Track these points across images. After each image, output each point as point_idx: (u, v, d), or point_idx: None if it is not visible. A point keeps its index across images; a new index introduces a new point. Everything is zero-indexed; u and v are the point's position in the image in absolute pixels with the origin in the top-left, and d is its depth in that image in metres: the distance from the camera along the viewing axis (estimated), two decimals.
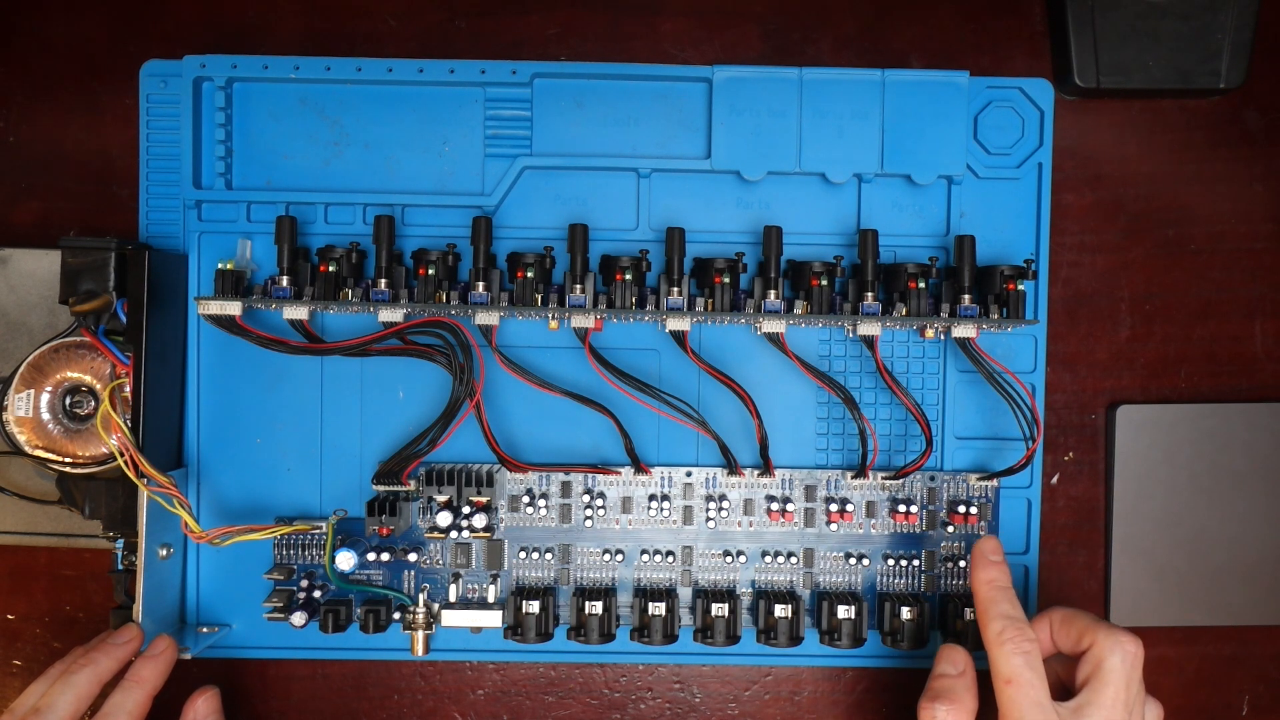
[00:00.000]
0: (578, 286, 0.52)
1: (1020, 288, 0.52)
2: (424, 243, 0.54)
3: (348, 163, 0.55)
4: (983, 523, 0.55)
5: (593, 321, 0.52)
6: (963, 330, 0.52)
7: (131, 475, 0.49)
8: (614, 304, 0.52)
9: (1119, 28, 0.55)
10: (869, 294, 0.52)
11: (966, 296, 0.52)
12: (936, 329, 0.53)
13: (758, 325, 0.52)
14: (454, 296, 0.52)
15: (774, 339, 0.53)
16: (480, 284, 0.52)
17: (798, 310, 0.52)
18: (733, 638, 0.53)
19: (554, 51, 0.57)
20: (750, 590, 0.55)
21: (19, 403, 0.51)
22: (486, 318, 0.52)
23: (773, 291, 0.52)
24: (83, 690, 0.47)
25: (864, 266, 0.52)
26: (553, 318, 0.53)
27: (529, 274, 0.52)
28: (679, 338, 0.53)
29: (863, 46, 0.58)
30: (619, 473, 0.54)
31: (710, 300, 0.52)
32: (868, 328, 0.52)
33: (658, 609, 0.52)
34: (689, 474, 0.55)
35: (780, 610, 0.52)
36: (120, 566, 0.52)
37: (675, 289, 0.52)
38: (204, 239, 0.55)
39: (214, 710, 0.52)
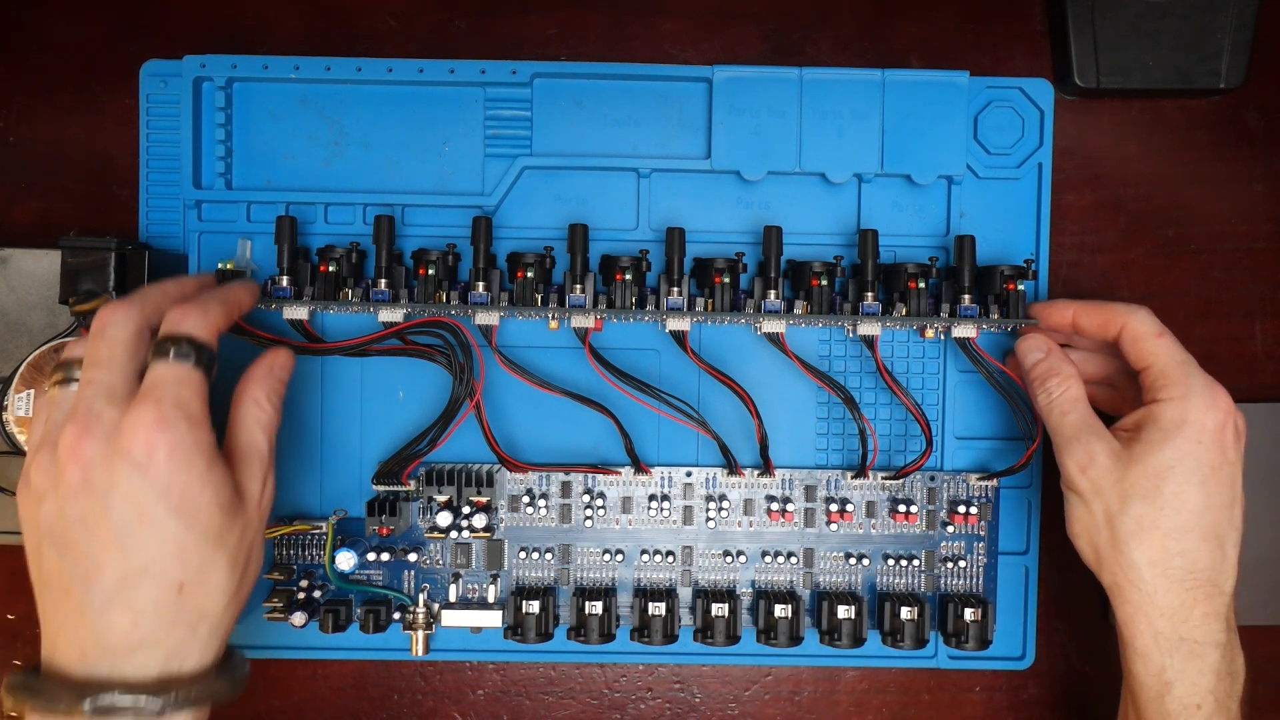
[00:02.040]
0: (578, 286, 0.52)
1: (1020, 288, 0.52)
2: (424, 243, 0.54)
3: (348, 163, 0.55)
4: (983, 522, 0.55)
5: (593, 321, 0.52)
6: (963, 330, 0.52)
7: None
8: (614, 304, 0.52)
9: (1119, 28, 0.55)
10: (869, 294, 0.52)
11: (966, 296, 0.52)
12: (936, 329, 0.53)
13: (758, 325, 0.52)
14: (454, 296, 0.52)
15: (774, 339, 0.53)
16: (480, 284, 0.52)
17: (798, 310, 0.52)
18: (733, 638, 0.53)
19: (554, 51, 0.57)
20: (750, 590, 0.55)
21: (19, 403, 0.51)
22: (486, 318, 0.52)
23: (773, 291, 0.52)
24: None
25: (864, 266, 0.52)
26: (553, 318, 0.53)
27: (529, 274, 0.52)
28: (679, 338, 0.53)
29: (863, 46, 0.58)
30: (619, 473, 0.54)
31: (710, 300, 0.52)
32: (868, 328, 0.52)
33: (658, 609, 0.52)
34: (689, 474, 0.55)
35: (780, 610, 0.52)
36: None
37: (675, 289, 0.52)
38: (204, 239, 0.55)
39: (290, 367, 0.48)
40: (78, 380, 0.42)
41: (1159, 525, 0.46)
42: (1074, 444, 0.48)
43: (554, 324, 0.53)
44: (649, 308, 0.52)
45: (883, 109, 0.53)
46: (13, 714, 0.40)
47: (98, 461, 0.39)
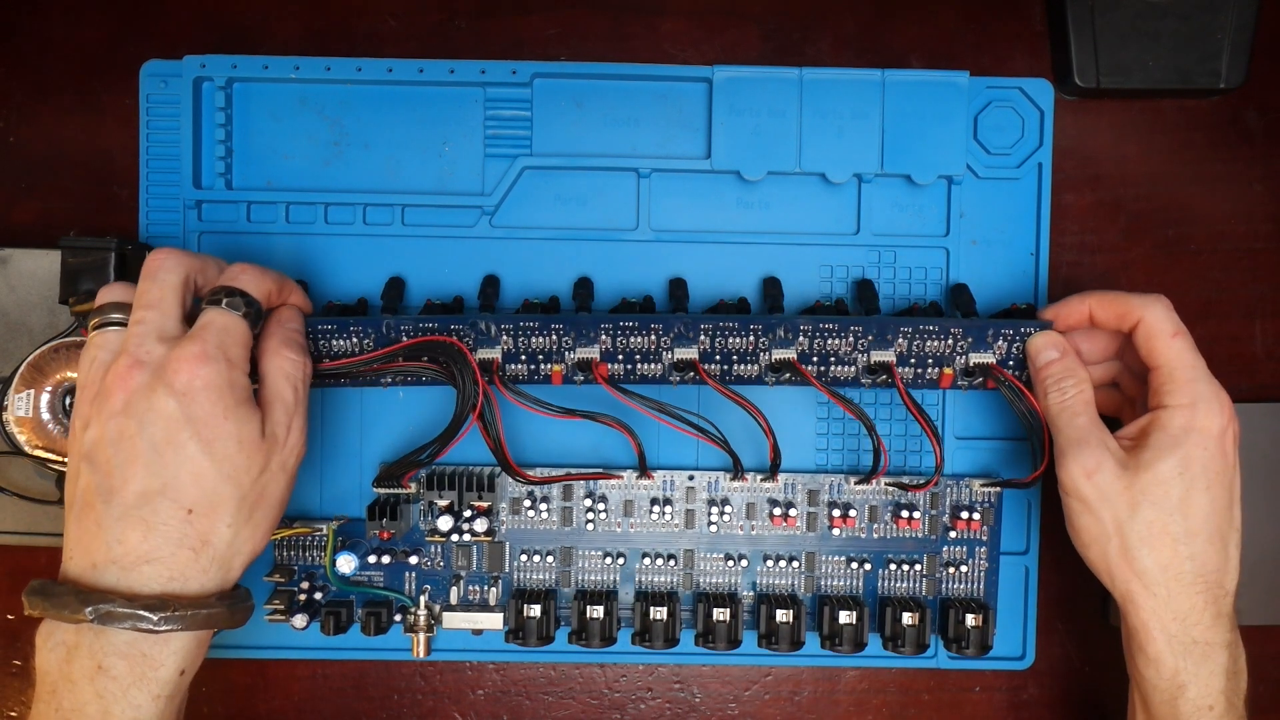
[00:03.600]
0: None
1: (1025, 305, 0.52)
2: (423, 243, 0.54)
3: (348, 163, 0.55)
4: (985, 527, 0.55)
5: (597, 353, 0.50)
6: (980, 356, 0.51)
7: None
8: (621, 356, 0.51)
9: (1119, 28, 0.55)
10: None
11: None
12: (956, 372, 0.51)
13: (771, 381, 0.51)
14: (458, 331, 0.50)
15: (788, 364, 0.51)
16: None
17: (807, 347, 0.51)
18: (734, 642, 0.52)
19: (554, 51, 0.57)
20: (751, 594, 0.55)
21: (19, 403, 0.51)
22: (489, 353, 0.50)
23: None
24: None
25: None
26: (557, 366, 0.51)
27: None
28: (693, 367, 0.51)
29: (863, 46, 0.58)
30: (621, 477, 0.54)
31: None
32: (880, 354, 0.51)
33: (659, 613, 0.52)
34: (691, 478, 0.55)
35: (782, 615, 0.52)
36: None
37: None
38: (204, 239, 0.55)
39: (298, 317, 0.49)
40: (114, 323, 0.45)
41: (1169, 530, 0.46)
42: (1081, 448, 0.47)
43: (558, 374, 0.51)
44: (659, 366, 0.51)
45: (883, 109, 0.53)
46: (32, 615, 0.42)
47: (141, 389, 0.42)
